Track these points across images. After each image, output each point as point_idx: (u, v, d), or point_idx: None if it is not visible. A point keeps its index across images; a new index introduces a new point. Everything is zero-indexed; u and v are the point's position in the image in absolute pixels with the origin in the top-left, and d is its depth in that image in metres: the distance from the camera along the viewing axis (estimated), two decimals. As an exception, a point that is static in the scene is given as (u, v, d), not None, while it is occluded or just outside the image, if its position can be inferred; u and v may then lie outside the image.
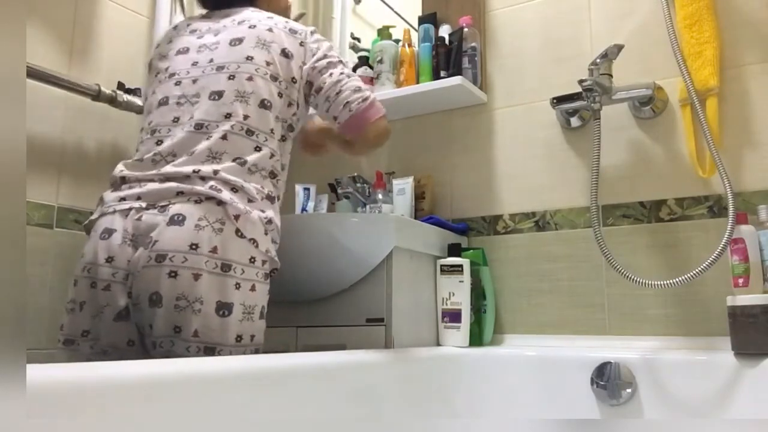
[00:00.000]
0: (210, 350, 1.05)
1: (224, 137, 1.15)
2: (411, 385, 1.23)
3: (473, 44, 1.72)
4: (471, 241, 1.72)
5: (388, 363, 1.19)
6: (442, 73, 1.69)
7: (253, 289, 1.11)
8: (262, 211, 1.14)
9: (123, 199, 1.12)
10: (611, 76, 1.47)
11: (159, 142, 1.17)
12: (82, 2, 1.60)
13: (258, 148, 1.17)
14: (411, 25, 1.87)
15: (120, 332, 1.09)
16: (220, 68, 1.21)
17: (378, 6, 2.01)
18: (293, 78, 1.26)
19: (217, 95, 1.19)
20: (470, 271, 1.54)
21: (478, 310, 1.58)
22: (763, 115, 1.42)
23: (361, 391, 1.06)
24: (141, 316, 1.07)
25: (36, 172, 1.46)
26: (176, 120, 1.18)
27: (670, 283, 1.29)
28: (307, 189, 1.85)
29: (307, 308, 1.47)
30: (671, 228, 1.48)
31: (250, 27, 1.27)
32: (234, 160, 1.14)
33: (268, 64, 1.23)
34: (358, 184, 1.73)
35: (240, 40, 1.24)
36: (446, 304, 1.53)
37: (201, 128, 1.16)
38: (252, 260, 1.11)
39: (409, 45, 1.77)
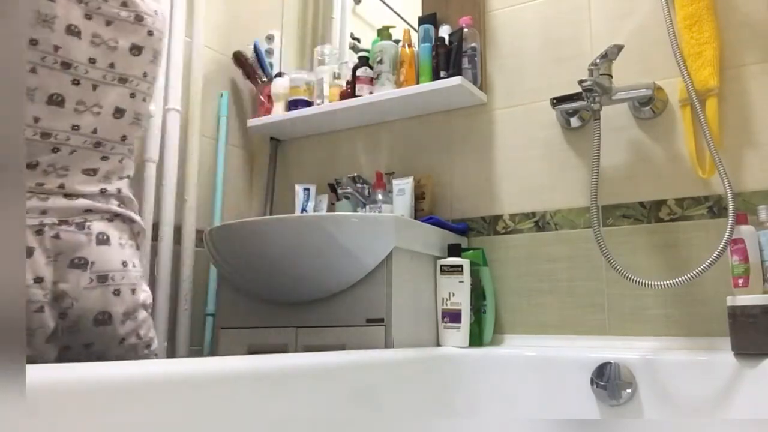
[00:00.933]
0: (148, 347, 1.17)
1: (121, 161, 1.18)
2: (411, 386, 1.23)
3: (473, 44, 1.72)
4: (471, 241, 1.72)
5: (388, 363, 1.19)
6: (442, 74, 1.69)
7: (148, 292, 1.22)
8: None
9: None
10: (611, 76, 1.47)
11: (55, 150, 1.07)
12: (81, 3, 1.59)
13: (131, 166, 1.22)
14: (411, 26, 1.87)
15: (48, 354, 1.06)
16: (122, 81, 1.15)
17: (378, 6, 2.01)
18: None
19: (120, 114, 1.15)
20: (470, 272, 1.54)
21: (478, 310, 1.58)
22: (762, 116, 1.42)
23: (361, 391, 1.06)
24: (76, 336, 1.07)
25: (36, 172, 1.46)
26: (76, 128, 1.10)
27: (670, 283, 1.29)
28: (306, 189, 1.86)
29: (307, 308, 1.47)
30: (671, 228, 1.48)
31: (148, 33, 1.19)
32: (126, 177, 1.19)
33: (154, 79, 1.23)
34: (358, 185, 1.73)
35: (139, 50, 1.18)
36: (446, 305, 1.53)
37: (99, 146, 1.14)
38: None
39: (409, 45, 1.77)
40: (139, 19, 1.18)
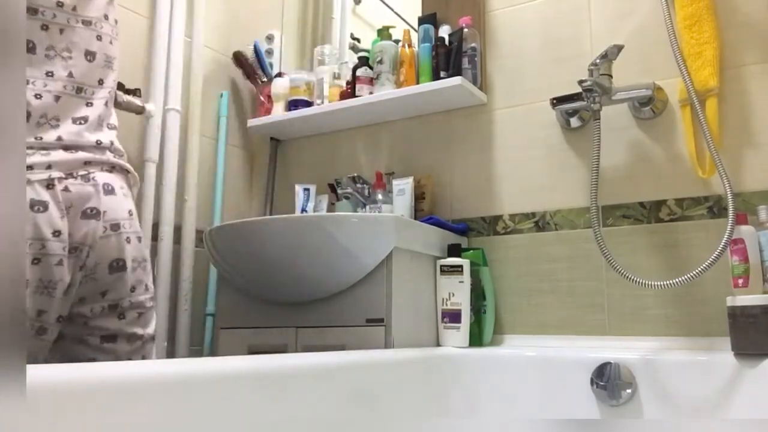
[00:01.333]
0: (152, 299, 1.21)
1: (105, 104, 1.18)
2: (411, 386, 1.23)
3: (473, 44, 1.72)
4: (471, 241, 1.72)
5: (387, 363, 1.19)
6: (442, 74, 1.69)
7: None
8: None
9: (29, 167, 1.05)
10: (611, 76, 1.47)
11: (37, 96, 1.09)
12: (81, 2, 1.59)
13: (113, 114, 1.23)
14: (411, 26, 1.87)
15: (63, 307, 1.08)
16: (86, 23, 1.16)
17: (378, 6, 2.01)
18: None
19: (91, 56, 1.16)
20: (470, 272, 1.54)
21: (478, 310, 1.58)
22: (762, 116, 1.42)
23: (361, 391, 1.06)
24: (94, 285, 1.11)
25: (36, 172, 1.46)
26: (50, 74, 1.11)
27: (670, 283, 1.29)
28: (306, 189, 1.86)
29: (307, 308, 1.47)
30: (671, 228, 1.48)
31: None
32: (110, 126, 1.20)
33: (115, 21, 1.23)
34: (358, 185, 1.74)
35: None
36: (446, 305, 1.53)
37: (81, 92, 1.15)
38: None
39: (409, 45, 1.77)
40: None
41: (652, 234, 1.50)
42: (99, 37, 1.18)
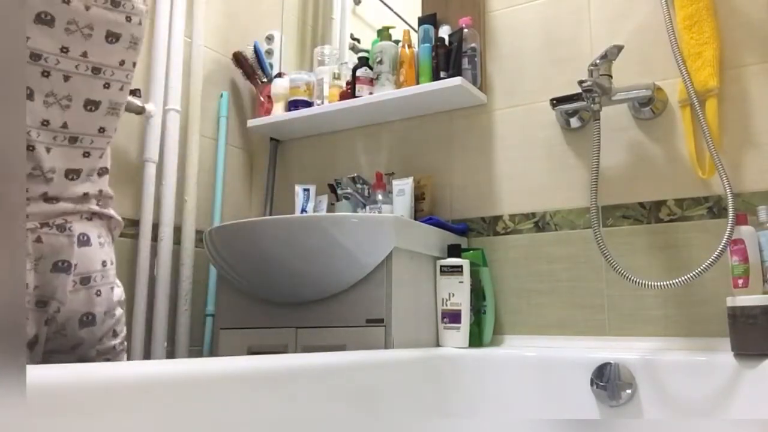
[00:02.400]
0: (123, 342, 1.16)
1: (101, 156, 1.12)
2: (411, 386, 1.23)
3: (473, 45, 1.73)
4: (471, 241, 1.72)
5: (387, 364, 1.19)
6: (442, 74, 1.69)
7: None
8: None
9: None
10: (611, 76, 1.47)
11: (31, 148, 1.02)
12: (81, 3, 1.59)
13: (108, 157, 1.16)
14: (411, 26, 1.87)
15: (31, 361, 1.04)
16: (95, 71, 1.09)
17: (378, 7, 2.01)
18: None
19: (93, 106, 1.09)
20: (470, 272, 1.54)
21: (477, 310, 1.58)
22: (762, 116, 1.42)
23: (361, 391, 1.06)
24: (63, 341, 1.05)
25: (36, 172, 1.46)
26: (45, 124, 1.04)
27: (670, 283, 1.29)
28: (306, 190, 1.86)
29: (307, 309, 1.47)
30: (671, 229, 1.48)
31: (126, 19, 1.12)
32: (104, 171, 1.14)
33: (134, 65, 1.16)
34: (358, 185, 1.73)
35: (116, 38, 1.10)
36: (446, 305, 1.53)
37: (76, 142, 1.08)
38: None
39: (409, 46, 1.77)
40: (115, 4, 1.12)
41: (652, 234, 1.50)
42: (107, 85, 1.10)
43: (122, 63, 1.12)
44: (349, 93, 1.83)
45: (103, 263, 1.10)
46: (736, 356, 1.21)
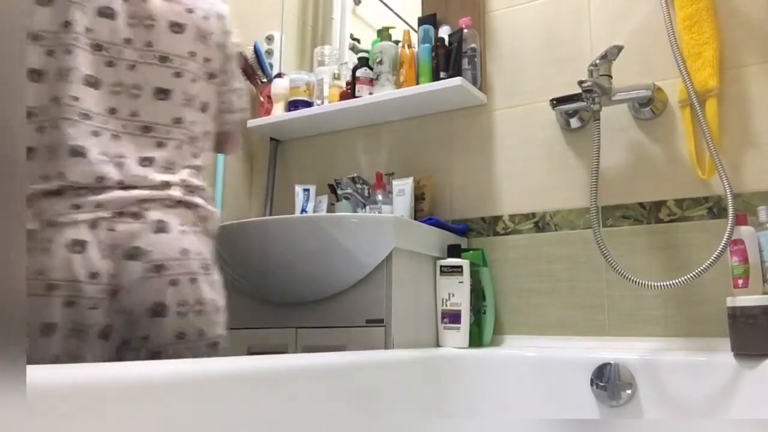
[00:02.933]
0: (214, 345, 1.07)
1: (179, 147, 1.10)
2: (411, 386, 1.23)
3: (473, 45, 1.73)
4: (471, 241, 1.72)
5: (387, 364, 1.19)
6: (442, 74, 1.69)
7: (220, 284, 1.14)
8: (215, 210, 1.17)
9: (76, 206, 0.99)
10: (611, 77, 1.47)
11: (95, 134, 1.03)
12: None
13: (197, 155, 1.15)
14: (411, 26, 1.87)
15: (102, 350, 1.02)
16: (163, 60, 1.10)
17: (378, 7, 2.01)
18: (225, 70, 1.22)
19: (164, 95, 1.09)
20: (470, 272, 1.54)
21: (477, 310, 1.58)
22: (762, 116, 1.42)
23: (361, 392, 1.06)
24: (132, 329, 1.02)
25: (35, 172, 1.46)
26: (113, 111, 1.05)
27: (670, 284, 1.29)
28: (306, 190, 1.86)
29: (307, 309, 1.47)
30: (671, 229, 1.48)
31: (187, 10, 1.14)
32: (189, 166, 1.12)
33: (206, 60, 1.15)
34: (358, 185, 1.73)
35: (181, 27, 1.12)
36: (446, 305, 1.53)
37: (149, 131, 1.08)
38: (213, 257, 1.14)
39: (409, 46, 1.77)
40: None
41: (652, 234, 1.50)
42: (178, 74, 1.11)
43: (192, 54, 1.13)
44: (349, 93, 1.83)
45: (183, 251, 1.04)
46: (736, 356, 1.21)
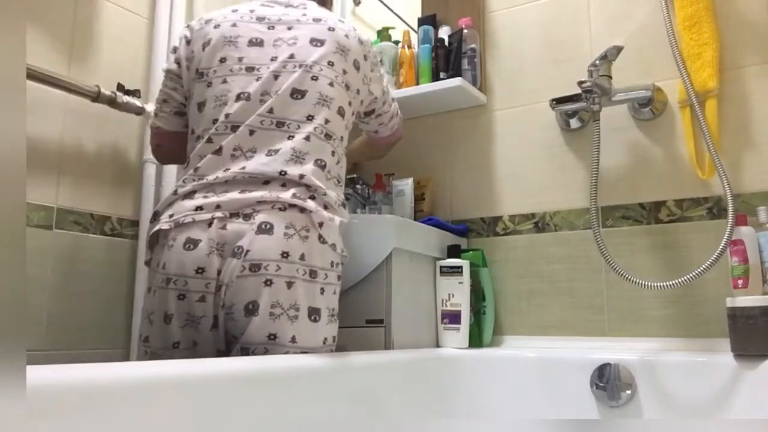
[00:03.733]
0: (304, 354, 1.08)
1: (307, 138, 1.15)
2: (411, 387, 1.23)
3: (473, 46, 1.73)
4: (470, 242, 1.72)
5: (387, 364, 1.19)
6: (442, 75, 1.69)
7: (334, 292, 1.15)
8: (342, 217, 1.17)
9: (200, 208, 1.09)
10: (611, 77, 1.47)
11: (235, 134, 1.15)
12: (81, 4, 1.60)
13: (333, 153, 1.19)
14: (410, 27, 1.87)
15: (214, 342, 1.09)
16: (302, 66, 1.20)
17: (377, 7, 2.01)
18: (358, 90, 1.29)
19: (300, 94, 1.18)
20: (470, 273, 1.54)
21: (477, 311, 1.58)
22: (762, 117, 1.43)
23: (360, 392, 1.06)
24: (234, 325, 1.07)
25: (35, 173, 1.46)
26: (258, 115, 1.17)
27: (670, 284, 1.29)
28: (306, 190, 1.85)
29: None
30: (671, 229, 1.48)
31: (329, 29, 1.25)
32: (316, 163, 1.15)
33: (344, 72, 1.24)
34: (358, 186, 1.73)
35: (321, 42, 1.23)
36: (446, 306, 1.53)
37: (282, 126, 1.16)
38: (332, 264, 1.14)
39: (409, 46, 1.77)
40: (317, 20, 1.27)
41: (652, 235, 1.50)
42: (314, 78, 1.19)
43: (330, 63, 1.23)
44: (349, 94, 1.82)
45: (283, 254, 1.06)
46: (735, 357, 1.21)
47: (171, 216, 1.12)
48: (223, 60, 1.22)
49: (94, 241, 1.56)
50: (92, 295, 1.54)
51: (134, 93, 1.63)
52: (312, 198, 1.12)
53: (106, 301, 1.57)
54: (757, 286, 1.23)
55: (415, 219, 1.67)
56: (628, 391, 1.28)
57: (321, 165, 1.16)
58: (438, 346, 1.53)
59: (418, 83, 1.74)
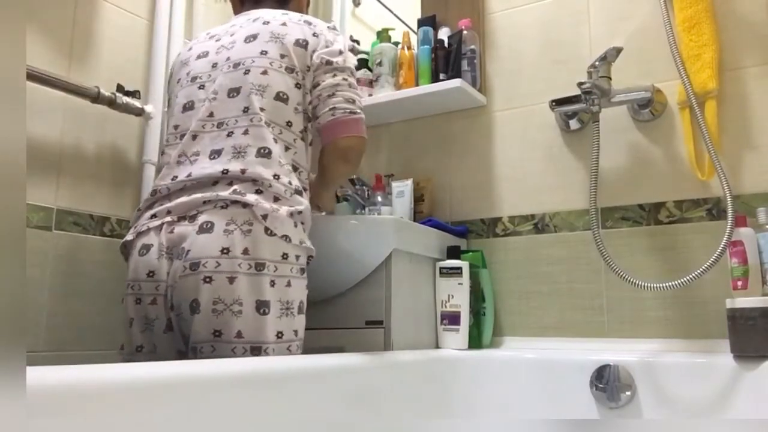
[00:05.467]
0: (256, 349, 1.07)
1: (245, 132, 1.17)
2: (410, 388, 1.23)
3: (472, 47, 1.73)
4: (470, 243, 1.72)
5: (387, 365, 1.19)
6: (441, 76, 1.69)
7: (288, 285, 1.14)
8: (292, 206, 1.15)
9: (154, 216, 1.15)
10: (610, 78, 1.48)
11: (183, 141, 1.21)
12: (81, 5, 1.60)
13: (277, 140, 1.19)
14: (410, 28, 1.87)
15: (170, 343, 1.12)
16: (236, 65, 1.23)
17: (377, 8, 2.01)
18: (308, 66, 1.27)
19: (235, 92, 1.21)
20: (469, 274, 1.54)
21: (477, 312, 1.58)
22: (761, 118, 1.43)
23: (360, 393, 1.06)
24: (185, 325, 1.09)
25: (35, 174, 1.46)
26: (199, 120, 1.21)
27: (669, 285, 1.29)
28: (306, 191, 1.85)
29: (306, 310, 1.47)
30: (670, 230, 1.48)
31: (264, 23, 1.28)
32: (259, 153, 1.15)
33: (282, 56, 1.24)
34: (357, 187, 1.73)
35: (254, 36, 1.26)
36: (445, 307, 1.53)
37: (222, 126, 1.19)
38: (284, 256, 1.13)
39: (409, 47, 1.77)
40: (256, 19, 1.30)
41: (652, 236, 1.50)
42: (246, 71, 1.22)
43: (263, 52, 1.24)
44: (349, 95, 1.82)
45: (223, 250, 1.06)
46: (735, 358, 1.21)
47: (135, 227, 1.18)
48: (178, 81, 1.31)
49: (94, 241, 1.56)
50: (92, 295, 1.54)
51: (134, 94, 1.63)
52: (258, 192, 1.12)
53: (105, 302, 1.56)
54: (757, 287, 1.23)
55: (414, 220, 1.67)
56: (628, 392, 1.28)
57: (265, 153, 1.15)
58: (437, 347, 1.53)
59: (417, 84, 1.74)
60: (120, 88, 1.60)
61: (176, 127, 1.24)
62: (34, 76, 1.41)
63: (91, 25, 1.62)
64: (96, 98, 1.54)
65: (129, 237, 1.18)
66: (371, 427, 1.04)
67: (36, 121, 1.47)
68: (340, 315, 1.43)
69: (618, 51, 1.47)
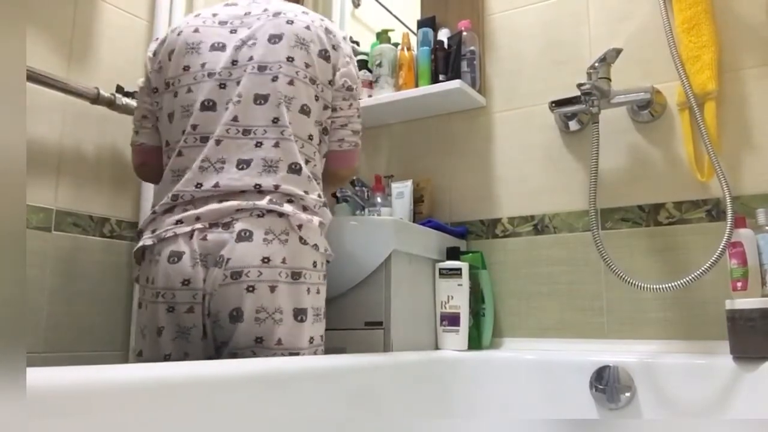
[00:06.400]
0: (293, 356, 1.09)
1: (276, 144, 1.15)
2: (410, 389, 1.23)
3: (472, 48, 1.73)
4: (470, 244, 1.72)
5: (386, 366, 1.19)
6: (441, 77, 1.69)
7: (318, 291, 1.16)
8: (321, 218, 1.17)
9: (180, 221, 1.11)
10: (610, 79, 1.48)
11: (204, 145, 1.15)
12: (81, 5, 1.60)
13: (303, 154, 1.18)
14: (410, 29, 1.87)
15: (204, 350, 1.11)
16: (261, 68, 1.19)
17: (377, 10, 2.01)
18: (330, 81, 1.26)
19: (263, 99, 1.17)
20: (469, 275, 1.54)
21: (476, 313, 1.57)
22: (761, 119, 1.43)
23: (360, 394, 1.06)
24: (221, 332, 1.09)
25: (35, 175, 1.46)
26: (224, 124, 1.16)
27: (669, 286, 1.29)
28: (305, 192, 1.85)
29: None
30: (670, 231, 1.48)
31: (287, 22, 1.23)
32: (290, 168, 1.15)
33: (307, 66, 1.22)
34: (357, 188, 1.73)
35: (279, 38, 1.21)
36: (445, 308, 1.53)
37: (249, 134, 1.15)
38: (314, 264, 1.15)
39: (408, 49, 1.77)
40: (276, 14, 1.25)
41: (651, 237, 1.50)
42: (274, 78, 1.18)
43: (290, 59, 1.20)
44: (349, 96, 1.82)
45: (264, 259, 1.08)
46: (735, 359, 1.21)
47: (153, 231, 1.13)
48: (186, 68, 1.22)
49: (93, 242, 1.56)
50: (91, 296, 1.54)
51: (133, 95, 1.63)
52: (290, 202, 1.13)
53: (105, 303, 1.56)
54: (756, 288, 1.23)
55: (414, 221, 1.67)
56: (628, 394, 1.28)
57: (296, 169, 1.16)
58: (437, 348, 1.53)
59: (417, 85, 1.74)
60: (119, 89, 1.60)
61: (195, 126, 1.17)
62: (33, 77, 1.41)
63: (90, 25, 1.62)
64: (95, 99, 1.54)
65: (148, 242, 1.12)
66: (371, 428, 1.04)
67: (36, 122, 1.47)
68: (339, 316, 1.42)
69: (617, 52, 1.47)
